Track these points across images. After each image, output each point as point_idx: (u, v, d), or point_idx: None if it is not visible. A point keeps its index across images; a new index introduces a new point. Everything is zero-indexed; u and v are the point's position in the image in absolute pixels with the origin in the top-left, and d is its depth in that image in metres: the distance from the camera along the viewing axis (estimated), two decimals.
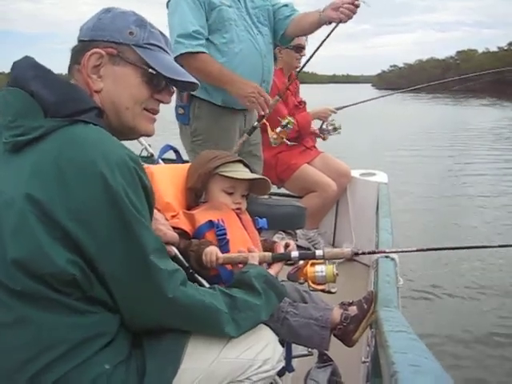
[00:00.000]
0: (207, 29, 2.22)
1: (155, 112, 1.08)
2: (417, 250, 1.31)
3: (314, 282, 1.31)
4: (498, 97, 31.52)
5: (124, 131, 1.06)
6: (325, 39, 2.21)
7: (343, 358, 1.73)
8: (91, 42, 1.00)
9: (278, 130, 2.43)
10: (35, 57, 0.98)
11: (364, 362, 1.52)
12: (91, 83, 0.99)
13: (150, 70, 1.02)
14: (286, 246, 1.34)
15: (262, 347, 1.08)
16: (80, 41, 1.02)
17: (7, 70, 0.99)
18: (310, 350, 1.52)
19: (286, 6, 2.44)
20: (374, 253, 1.43)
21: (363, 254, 1.37)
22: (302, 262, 1.31)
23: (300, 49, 2.99)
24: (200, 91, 2.29)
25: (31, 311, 0.84)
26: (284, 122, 2.45)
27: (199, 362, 1.00)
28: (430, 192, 6.90)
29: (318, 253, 1.25)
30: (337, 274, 1.30)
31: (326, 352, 1.67)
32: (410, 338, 1.00)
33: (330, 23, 2.16)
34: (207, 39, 2.23)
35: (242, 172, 1.37)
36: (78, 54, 1.01)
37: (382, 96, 4.02)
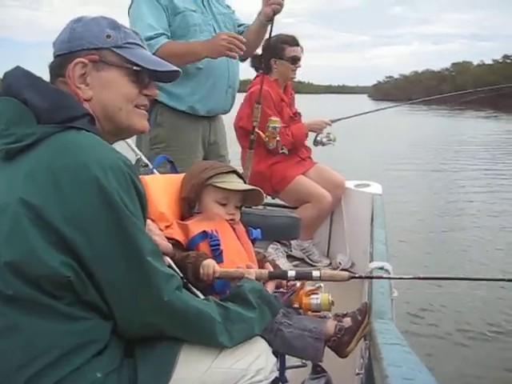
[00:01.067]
0: (170, 32, 2.22)
1: (146, 107, 1.10)
2: (413, 278, 1.31)
3: (308, 310, 1.31)
4: (494, 109, 31.72)
5: (119, 132, 1.08)
6: (270, 31, 2.38)
7: (337, 369, 1.72)
8: (71, 54, 1.00)
9: (268, 133, 2.58)
10: (33, 64, 1.00)
11: (358, 374, 1.52)
12: (81, 93, 1.00)
13: (135, 68, 1.04)
14: (274, 266, 1.35)
15: (254, 357, 1.07)
16: (57, 56, 1.02)
17: None
18: (303, 361, 1.51)
19: (242, 25, 2.51)
20: (370, 277, 1.43)
21: (360, 277, 1.38)
22: (298, 284, 1.30)
23: (295, 60, 3.00)
24: (164, 97, 2.28)
25: (23, 318, 0.84)
26: (271, 125, 2.58)
27: (192, 371, 0.99)
28: (424, 205, 6.93)
29: (315, 273, 1.24)
30: (332, 302, 1.30)
31: (320, 363, 1.66)
32: (403, 351, 1.00)
33: (269, 20, 2.32)
34: None
35: (236, 183, 1.37)
36: (58, 68, 1.01)
37: (377, 110, 4.00)
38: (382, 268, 1.52)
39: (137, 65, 1.04)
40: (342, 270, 2.93)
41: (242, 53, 2.20)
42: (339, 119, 3.28)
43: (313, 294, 1.30)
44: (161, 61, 1.13)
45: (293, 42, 3.00)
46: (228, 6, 2.48)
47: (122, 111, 1.04)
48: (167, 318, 0.95)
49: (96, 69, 1.01)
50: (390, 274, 1.50)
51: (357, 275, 1.34)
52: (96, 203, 0.85)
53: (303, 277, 1.26)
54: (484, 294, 3.68)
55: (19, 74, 0.97)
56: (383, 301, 1.32)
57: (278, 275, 1.25)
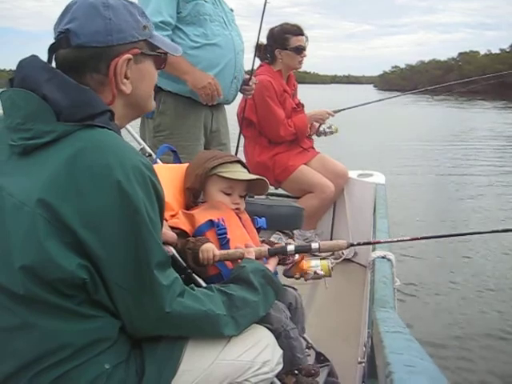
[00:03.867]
0: (178, 19, 2.24)
1: None
2: (411, 239, 1.35)
3: (308, 270, 1.32)
4: (504, 99, 31.18)
5: (137, 116, 1.11)
6: (261, 22, 2.62)
7: (340, 358, 1.74)
8: (111, 48, 0.95)
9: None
10: (39, 55, 0.95)
11: (360, 363, 1.53)
12: (125, 89, 0.98)
13: (164, 56, 1.06)
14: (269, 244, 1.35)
15: (261, 349, 1.08)
16: (91, 47, 0.94)
17: (14, 67, 0.94)
18: (306, 350, 1.52)
19: None
20: (369, 243, 1.45)
21: (358, 244, 1.41)
22: (297, 257, 1.31)
23: (301, 50, 2.97)
24: (167, 83, 2.29)
25: (35, 317, 0.84)
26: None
27: (198, 363, 1.00)
28: (428, 196, 6.89)
29: (314, 245, 1.26)
30: (332, 269, 1.31)
31: (323, 353, 1.68)
32: (405, 339, 1.00)
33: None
34: (180, 29, 2.25)
35: (240, 172, 1.37)
36: (92, 61, 0.95)
37: (380, 100, 3.95)
38: (384, 257, 1.53)
39: (165, 52, 1.06)
40: (345, 259, 2.95)
41: (213, 103, 2.33)
42: (342, 109, 3.26)
43: (313, 260, 1.32)
44: (175, 45, 1.14)
45: (297, 31, 2.96)
46: (232, 10, 2.51)
47: (151, 97, 1.07)
48: (170, 327, 0.96)
49: (135, 62, 0.99)
50: (392, 263, 1.50)
51: (355, 243, 1.37)
52: (115, 206, 0.84)
53: (302, 250, 1.28)
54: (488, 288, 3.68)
55: (37, 67, 0.92)
56: (385, 290, 1.33)
57: (278, 251, 1.26)
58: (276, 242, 1.42)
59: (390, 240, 1.44)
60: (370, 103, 3.62)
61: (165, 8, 2.18)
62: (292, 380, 1.27)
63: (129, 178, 0.84)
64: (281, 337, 1.25)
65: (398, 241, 1.40)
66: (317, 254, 1.34)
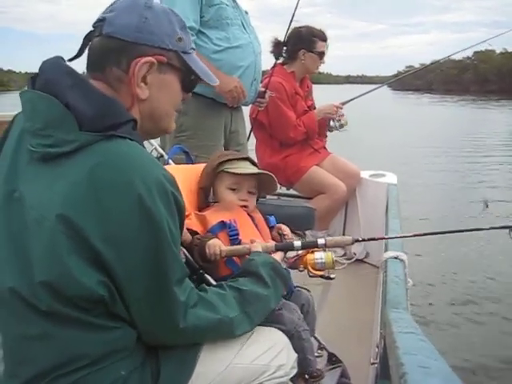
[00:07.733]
0: (201, 23, 2.25)
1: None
2: (414, 236, 1.38)
3: (313, 268, 1.31)
4: None
5: (155, 133, 1.07)
6: (290, 22, 2.81)
7: (352, 359, 1.72)
8: (137, 45, 0.93)
9: None
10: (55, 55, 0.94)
11: (373, 364, 1.52)
12: (140, 92, 0.94)
13: (193, 77, 1.03)
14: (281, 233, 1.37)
15: (276, 353, 1.07)
16: (117, 38, 0.92)
17: (28, 69, 0.94)
18: (319, 351, 1.51)
19: None
20: (373, 239, 1.48)
21: (363, 240, 1.43)
22: (302, 251, 1.31)
23: (323, 55, 3.00)
24: None
25: (55, 329, 0.84)
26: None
27: (213, 366, 0.99)
28: (439, 197, 6.83)
29: (320, 241, 1.27)
30: (336, 261, 1.31)
31: (335, 353, 1.67)
32: (419, 339, 0.99)
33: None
34: (203, 33, 2.27)
35: (246, 168, 1.37)
36: (115, 54, 0.93)
37: (377, 88, 3.86)
38: (396, 257, 1.52)
39: (196, 75, 1.02)
40: (357, 260, 2.93)
41: (238, 105, 2.40)
42: (349, 100, 3.23)
43: (317, 252, 1.30)
44: (211, 74, 1.10)
45: (323, 37, 2.99)
46: (246, 12, 2.53)
47: (167, 116, 1.03)
48: (185, 339, 0.96)
49: (159, 70, 0.95)
50: (405, 263, 1.49)
51: (360, 239, 1.39)
52: (137, 223, 0.82)
53: (309, 246, 1.28)
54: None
55: (61, 71, 0.90)
56: (398, 290, 1.32)
57: (285, 247, 1.26)
58: (285, 233, 1.40)
59: (394, 236, 1.45)
60: (372, 91, 3.59)
61: (190, 13, 2.19)
62: None
63: (151, 193, 0.83)
64: (293, 338, 1.25)
65: (401, 237, 1.42)
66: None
